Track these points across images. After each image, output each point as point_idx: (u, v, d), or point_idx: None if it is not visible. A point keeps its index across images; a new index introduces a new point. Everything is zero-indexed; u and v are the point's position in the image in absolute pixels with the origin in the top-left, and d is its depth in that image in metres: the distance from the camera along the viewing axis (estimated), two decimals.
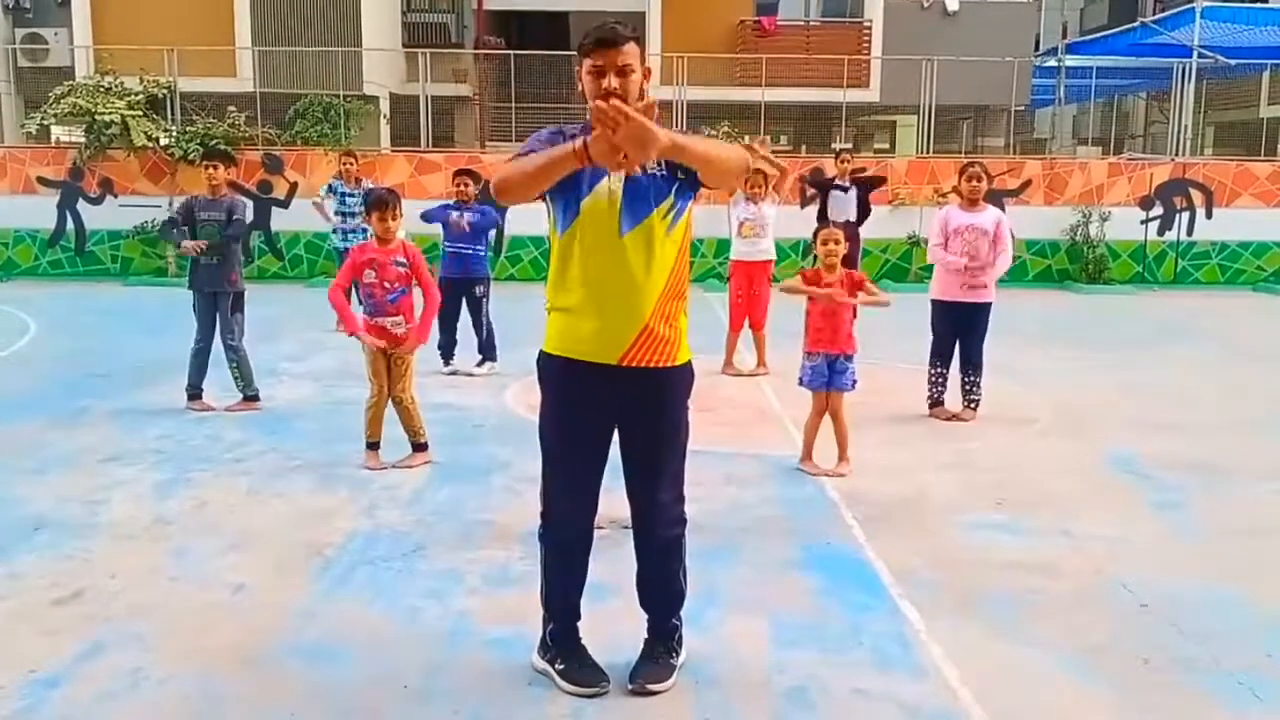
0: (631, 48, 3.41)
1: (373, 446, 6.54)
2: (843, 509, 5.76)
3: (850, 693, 3.71)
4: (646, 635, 3.84)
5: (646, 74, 3.47)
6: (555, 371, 3.62)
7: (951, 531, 5.46)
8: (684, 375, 3.65)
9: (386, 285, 6.39)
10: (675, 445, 3.68)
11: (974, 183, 7.80)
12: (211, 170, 7.92)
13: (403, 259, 6.45)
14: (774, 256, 9.91)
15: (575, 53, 3.53)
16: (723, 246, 10.69)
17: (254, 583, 4.67)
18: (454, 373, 9.30)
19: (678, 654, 3.83)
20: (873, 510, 5.74)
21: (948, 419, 7.81)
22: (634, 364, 3.50)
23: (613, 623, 4.17)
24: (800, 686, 3.75)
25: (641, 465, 3.67)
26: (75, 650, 3.96)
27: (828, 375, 6.41)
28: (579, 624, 3.83)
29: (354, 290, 6.75)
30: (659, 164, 3.43)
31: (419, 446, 6.57)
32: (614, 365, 3.50)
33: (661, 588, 3.80)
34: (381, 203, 6.44)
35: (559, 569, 3.76)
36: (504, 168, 3.41)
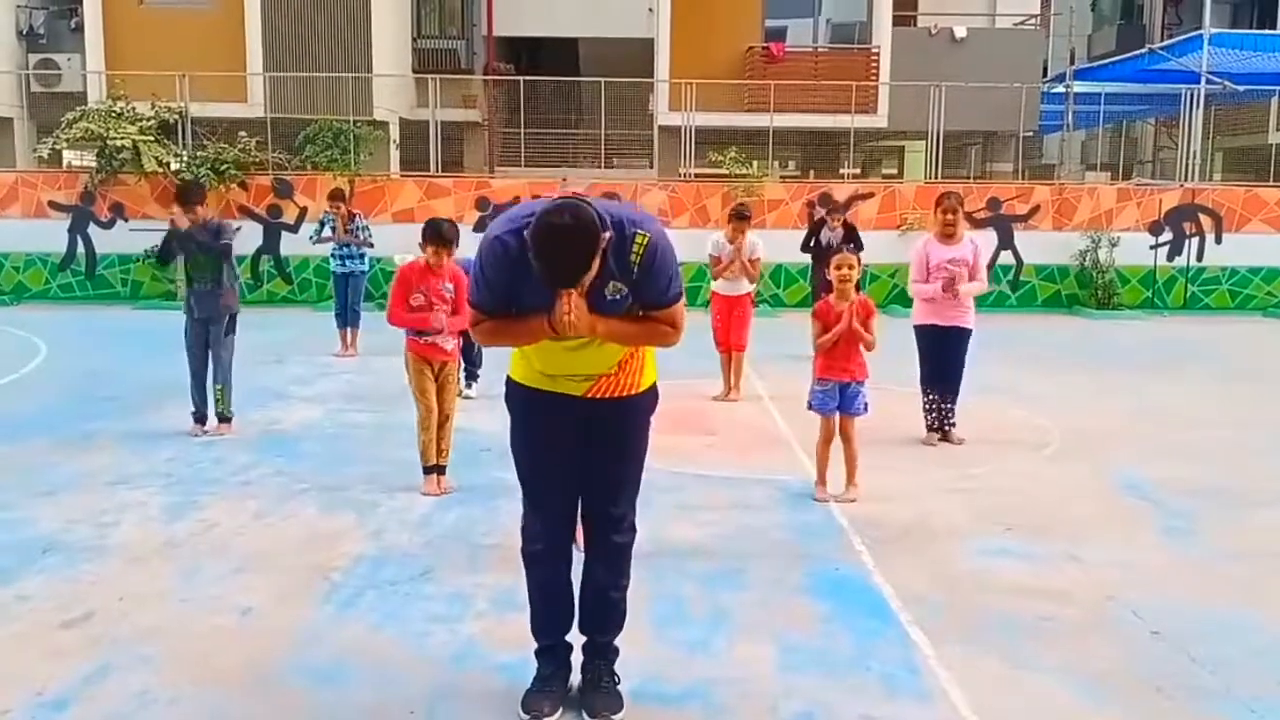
0: (594, 263, 3.23)
1: (430, 470, 6.51)
2: (851, 534, 5.75)
3: (858, 718, 3.70)
4: (584, 658, 3.82)
5: (605, 242, 3.25)
6: (522, 397, 3.71)
7: (960, 557, 5.44)
8: (647, 398, 3.73)
9: (435, 307, 6.48)
10: (634, 461, 3.74)
11: (948, 215, 7.80)
12: (188, 210, 7.73)
13: (450, 284, 6.52)
14: (752, 288, 9.97)
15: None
16: (700, 274, 10.88)
17: (262, 605, 4.67)
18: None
19: (618, 679, 3.79)
20: (881, 535, 5.72)
21: (935, 444, 7.85)
22: (598, 396, 3.61)
23: (619, 647, 4.16)
24: (807, 712, 3.73)
25: (599, 479, 3.72)
26: (83, 672, 3.96)
27: (839, 400, 6.40)
28: (568, 651, 3.82)
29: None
30: (620, 293, 3.40)
31: (440, 469, 6.57)
32: (579, 397, 3.60)
33: (603, 601, 3.76)
34: (440, 238, 6.44)
35: (536, 583, 3.78)
36: (483, 338, 3.61)
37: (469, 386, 9.47)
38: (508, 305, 3.45)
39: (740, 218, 9.84)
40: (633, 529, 3.81)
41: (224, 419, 8.01)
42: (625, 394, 3.64)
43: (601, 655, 3.80)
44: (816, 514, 6.13)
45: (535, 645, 3.82)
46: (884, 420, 7.68)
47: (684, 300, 3.58)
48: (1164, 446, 7.93)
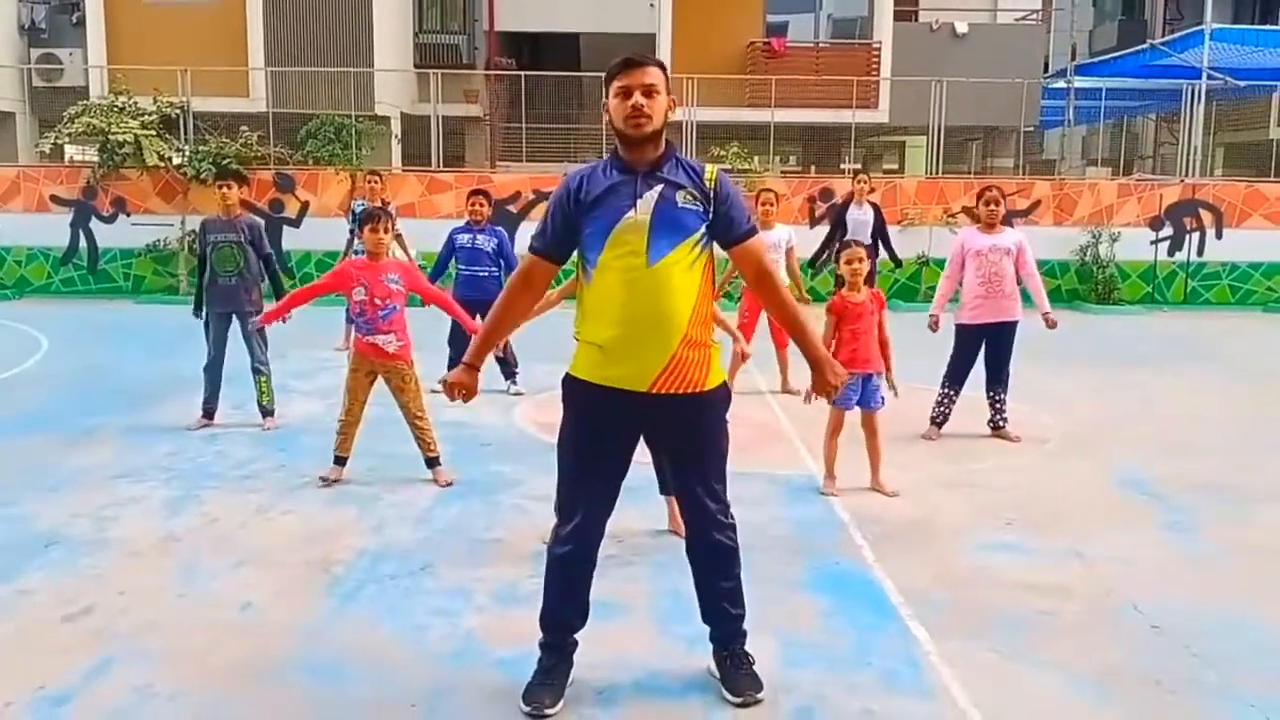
0: (656, 71, 3.53)
1: (340, 461, 6.56)
2: (852, 529, 5.75)
3: (859, 713, 3.70)
4: (715, 645, 3.87)
5: (672, 104, 3.57)
6: (580, 394, 3.65)
7: (961, 552, 5.44)
8: (716, 398, 3.68)
9: (378, 302, 6.37)
10: (713, 462, 3.72)
11: (992, 206, 7.76)
12: (225, 190, 7.97)
13: (394, 275, 6.45)
14: (787, 283, 9.78)
15: (602, 76, 3.63)
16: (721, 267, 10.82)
17: (262, 600, 4.67)
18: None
19: (753, 659, 3.85)
20: (882, 530, 5.72)
21: (935, 439, 7.84)
22: (663, 391, 3.53)
23: (622, 641, 4.18)
24: (807, 706, 3.74)
25: (682, 479, 3.74)
26: (84, 667, 3.97)
27: (860, 393, 6.41)
28: (573, 646, 3.83)
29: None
30: (694, 201, 3.52)
31: (432, 461, 6.57)
32: (643, 392, 3.53)
33: (717, 594, 3.82)
34: (371, 216, 6.48)
35: (558, 583, 3.77)
36: (510, 285, 3.81)
37: (515, 382, 9.39)
38: (562, 245, 3.61)
39: (767, 190, 9.74)
40: (732, 524, 3.80)
41: (267, 412, 8.03)
42: (693, 390, 3.57)
43: (732, 640, 3.84)
44: (817, 509, 6.13)
45: (540, 638, 3.82)
46: (885, 416, 7.67)
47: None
48: (1165, 442, 7.93)
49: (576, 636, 3.82)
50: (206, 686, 3.84)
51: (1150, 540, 5.69)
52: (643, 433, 3.69)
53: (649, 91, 3.47)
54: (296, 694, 3.81)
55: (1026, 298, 7.93)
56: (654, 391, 3.52)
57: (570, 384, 3.68)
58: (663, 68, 3.56)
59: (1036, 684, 3.95)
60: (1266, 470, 7.16)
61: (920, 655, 4.17)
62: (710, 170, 3.60)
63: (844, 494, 6.33)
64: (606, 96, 3.55)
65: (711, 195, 3.55)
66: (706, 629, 3.90)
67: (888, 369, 6.53)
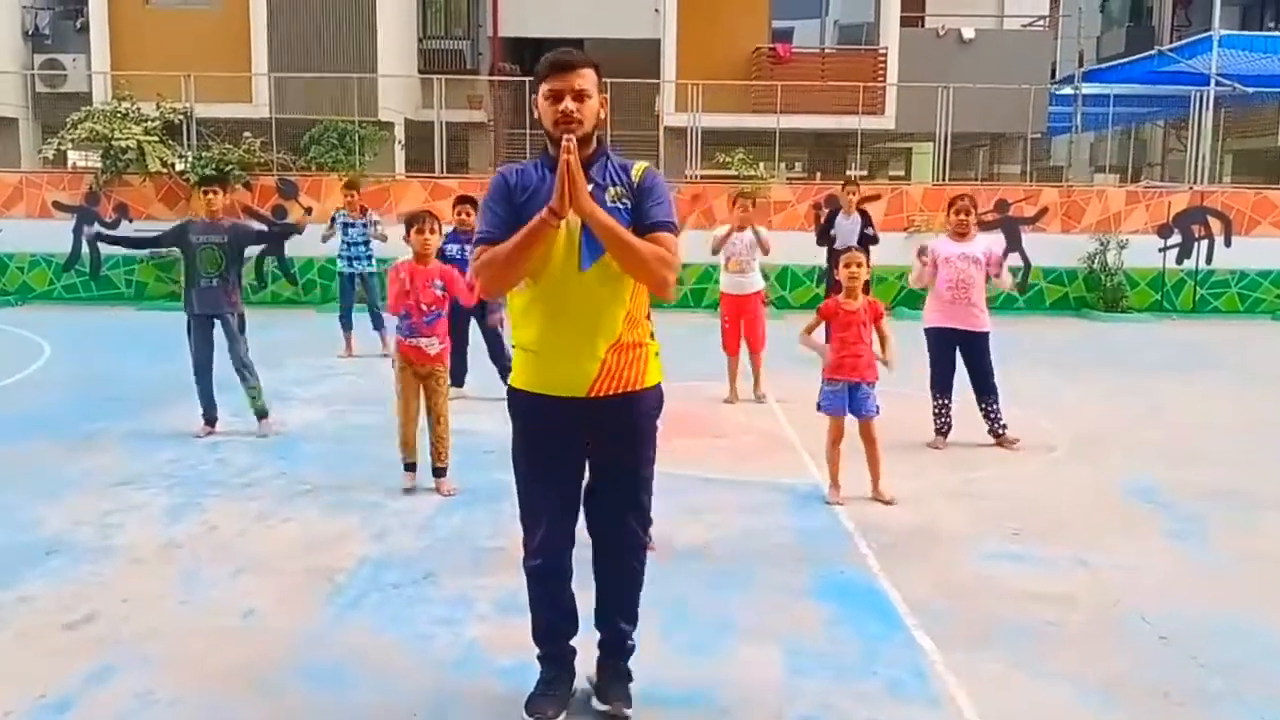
0: (588, 73, 3.44)
1: (410, 468, 6.55)
2: (857, 538, 5.72)
3: None
4: (605, 653, 3.81)
5: (604, 103, 3.52)
6: (524, 405, 3.62)
7: (967, 561, 5.40)
8: (653, 396, 3.64)
9: (424, 308, 6.40)
10: (644, 477, 3.67)
11: (961, 216, 7.84)
12: (211, 195, 7.96)
13: (439, 281, 6.48)
14: (762, 286, 9.82)
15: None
16: (707, 275, 10.93)
17: (264, 607, 4.65)
18: (460, 397, 9.25)
19: (632, 674, 3.81)
20: (887, 539, 5.69)
21: (941, 448, 7.80)
22: (602, 394, 3.51)
23: None
24: (812, 716, 3.71)
25: (610, 486, 3.66)
26: (85, 673, 3.95)
27: (848, 401, 6.37)
28: (572, 654, 3.80)
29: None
30: (622, 199, 3.47)
31: (440, 472, 6.56)
32: (583, 398, 3.51)
33: (625, 608, 3.77)
34: (417, 218, 6.50)
35: (539, 597, 3.74)
36: (480, 271, 3.47)
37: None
38: (510, 231, 3.45)
39: (744, 195, 9.79)
40: (643, 548, 3.76)
41: (262, 414, 8.03)
42: (630, 389, 3.54)
43: (621, 651, 3.78)
44: (822, 518, 6.10)
45: (537, 651, 3.79)
46: (887, 424, 7.64)
47: (678, 238, 3.56)
48: (1172, 450, 7.89)
49: (574, 644, 3.80)
50: (207, 693, 3.82)
51: (1157, 549, 5.66)
52: (586, 436, 3.61)
53: (579, 96, 3.40)
54: (297, 701, 3.79)
55: (999, 305, 7.95)
56: (594, 395, 3.50)
57: (513, 396, 3.65)
58: (595, 67, 3.48)
59: (1043, 694, 3.92)
60: (1274, 478, 7.13)
61: (926, 665, 4.14)
62: (638, 167, 3.56)
63: (849, 503, 6.30)
64: (536, 94, 3.49)
65: (637, 186, 3.50)
66: (598, 635, 3.83)
67: (884, 348, 6.45)
